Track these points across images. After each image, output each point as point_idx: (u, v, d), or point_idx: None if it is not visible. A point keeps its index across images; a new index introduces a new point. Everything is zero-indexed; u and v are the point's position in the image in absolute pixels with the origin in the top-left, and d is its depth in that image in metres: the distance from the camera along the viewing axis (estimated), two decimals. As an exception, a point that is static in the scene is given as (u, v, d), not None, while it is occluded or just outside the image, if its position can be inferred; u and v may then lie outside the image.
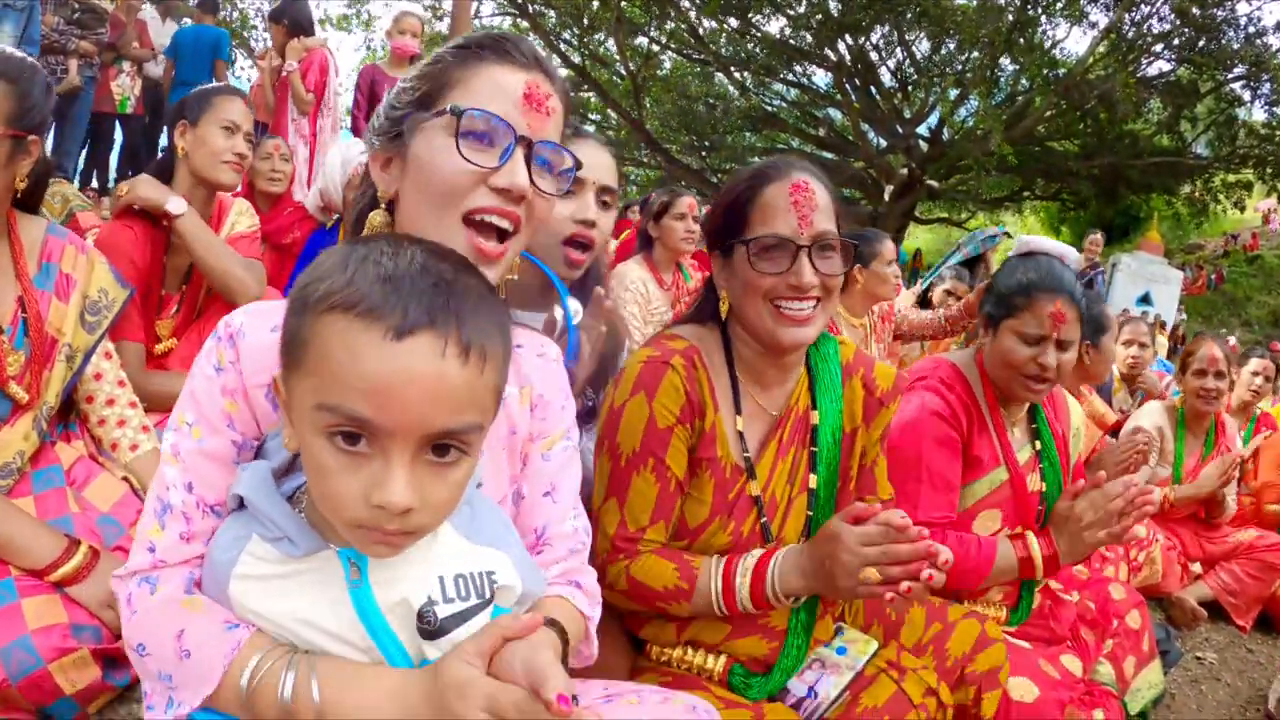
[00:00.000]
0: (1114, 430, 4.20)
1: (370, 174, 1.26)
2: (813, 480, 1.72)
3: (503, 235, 1.19)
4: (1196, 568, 3.97)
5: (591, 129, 22.48)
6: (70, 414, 2.17)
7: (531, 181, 1.18)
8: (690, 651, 1.67)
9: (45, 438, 2.01)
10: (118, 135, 8.39)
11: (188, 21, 8.53)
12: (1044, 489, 2.27)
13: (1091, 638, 2.31)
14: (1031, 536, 2.11)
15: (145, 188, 2.61)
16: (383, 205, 1.23)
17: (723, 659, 1.66)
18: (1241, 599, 3.88)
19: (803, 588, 1.55)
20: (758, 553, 1.60)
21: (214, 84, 3.34)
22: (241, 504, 1.06)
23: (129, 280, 2.26)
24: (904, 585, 1.39)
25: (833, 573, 1.45)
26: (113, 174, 8.64)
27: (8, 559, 1.74)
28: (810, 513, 1.72)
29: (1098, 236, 10.66)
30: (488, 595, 1.04)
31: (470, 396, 0.92)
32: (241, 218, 2.96)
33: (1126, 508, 1.99)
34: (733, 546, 1.66)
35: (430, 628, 0.99)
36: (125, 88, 7.78)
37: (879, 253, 4.19)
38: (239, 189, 4.79)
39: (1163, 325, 16.26)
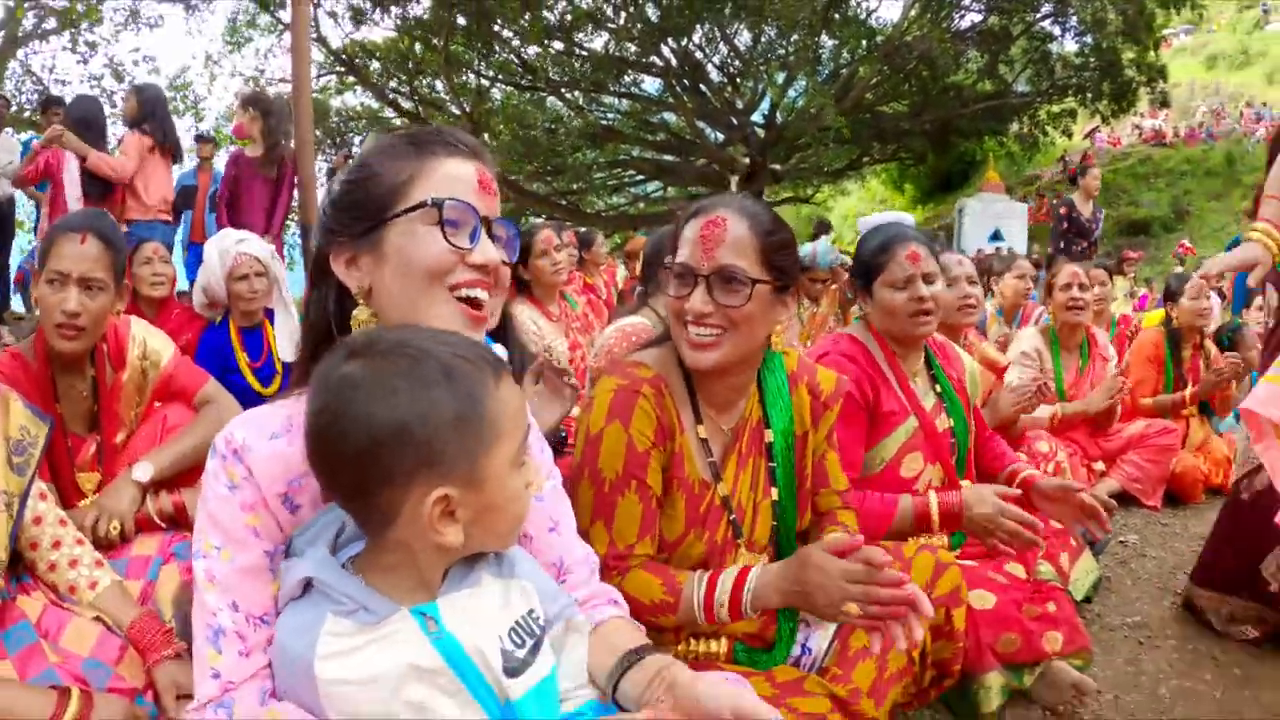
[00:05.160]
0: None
1: (333, 274, 1.28)
2: (775, 493, 1.85)
3: (478, 303, 1.28)
4: (1099, 466, 4.33)
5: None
6: (19, 565, 2.03)
7: None
8: (693, 641, 1.76)
9: (2, 596, 1.90)
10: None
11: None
12: (952, 425, 2.49)
13: (1025, 544, 2.54)
14: (934, 497, 2.26)
15: None
16: (361, 301, 1.27)
17: (724, 640, 1.76)
18: (1146, 483, 4.28)
19: (780, 604, 1.63)
20: (737, 568, 1.67)
21: (65, 217, 2.60)
22: (303, 592, 1.10)
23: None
24: (891, 638, 1.46)
25: (814, 598, 1.53)
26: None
27: None
28: (775, 523, 1.86)
29: None
30: (537, 631, 1.16)
31: None
32: (151, 341, 2.63)
33: (1012, 542, 2.15)
34: (708, 554, 1.77)
35: (514, 666, 1.11)
36: None
37: None
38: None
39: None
